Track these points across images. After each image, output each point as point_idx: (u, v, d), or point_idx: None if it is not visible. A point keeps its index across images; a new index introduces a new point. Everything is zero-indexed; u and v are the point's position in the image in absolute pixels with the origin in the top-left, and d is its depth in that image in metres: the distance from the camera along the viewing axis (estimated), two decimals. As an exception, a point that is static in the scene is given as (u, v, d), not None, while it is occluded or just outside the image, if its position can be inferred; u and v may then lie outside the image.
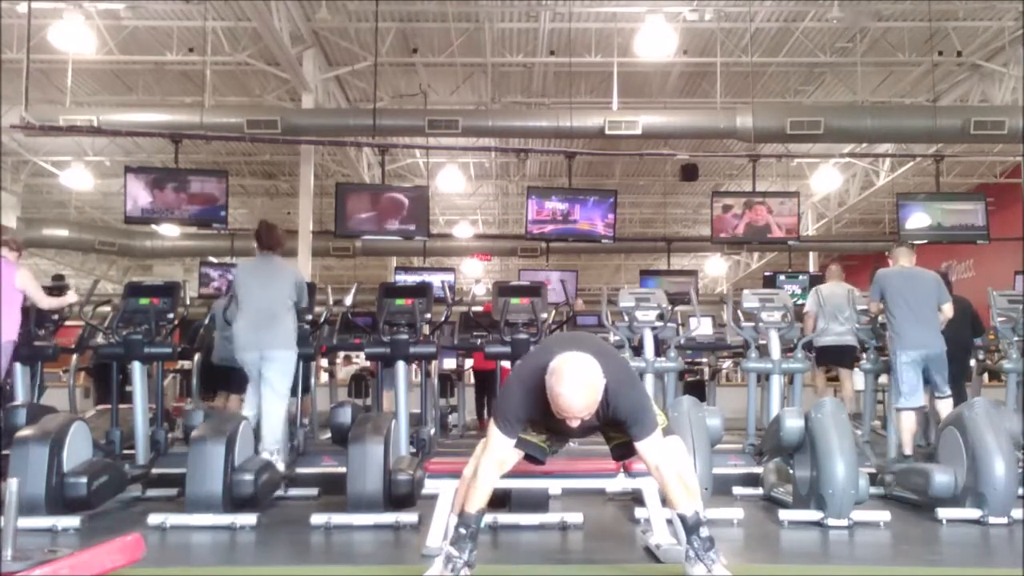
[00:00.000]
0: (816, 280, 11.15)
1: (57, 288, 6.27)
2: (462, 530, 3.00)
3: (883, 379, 6.75)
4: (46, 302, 5.80)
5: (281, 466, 5.10)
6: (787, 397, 6.16)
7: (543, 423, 3.14)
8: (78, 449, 4.43)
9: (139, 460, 5.52)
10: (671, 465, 3.03)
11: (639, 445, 3.05)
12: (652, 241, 17.43)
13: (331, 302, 6.51)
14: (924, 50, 10.66)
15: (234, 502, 4.30)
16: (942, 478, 4.45)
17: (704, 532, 2.96)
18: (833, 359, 7.62)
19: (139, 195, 9.80)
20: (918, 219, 10.27)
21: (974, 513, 4.26)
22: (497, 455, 3.08)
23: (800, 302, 7.72)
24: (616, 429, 3.19)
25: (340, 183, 10.99)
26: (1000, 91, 11.15)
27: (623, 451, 3.28)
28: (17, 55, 9.80)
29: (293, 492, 5.15)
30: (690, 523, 2.96)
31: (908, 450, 5.67)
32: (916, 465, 5.12)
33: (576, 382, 2.86)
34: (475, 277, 20.54)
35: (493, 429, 3.08)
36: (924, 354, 5.75)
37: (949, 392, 5.88)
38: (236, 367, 5.56)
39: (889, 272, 6.01)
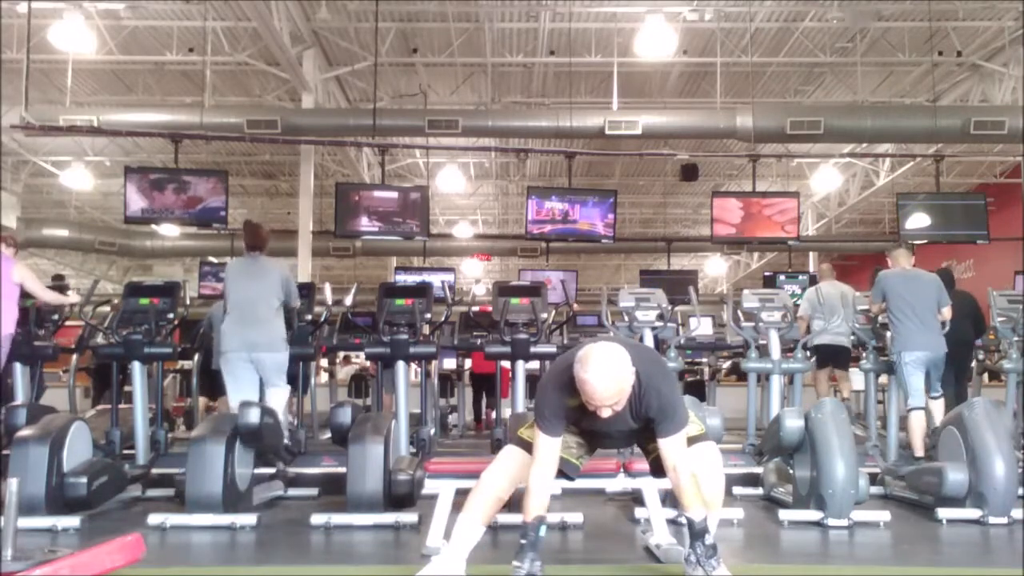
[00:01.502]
0: (816, 280, 11.16)
1: (58, 288, 6.26)
2: (522, 541, 2.94)
3: (883, 379, 6.76)
4: (47, 295, 5.77)
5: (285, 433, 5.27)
6: (787, 397, 6.16)
7: (579, 421, 3.09)
8: (78, 449, 4.43)
9: (139, 460, 5.53)
10: (688, 468, 2.99)
11: (662, 442, 3.01)
12: (652, 241, 17.43)
13: (329, 301, 6.50)
14: (924, 50, 10.66)
15: (236, 501, 4.31)
16: (956, 476, 4.37)
17: (709, 540, 2.93)
18: (829, 359, 7.62)
19: (139, 195, 9.80)
20: (918, 219, 10.26)
21: (974, 513, 4.26)
22: (547, 458, 3.02)
23: (799, 302, 7.72)
24: (651, 436, 3.15)
25: (340, 183, 10.98)
26: (1000, 91, 11.15)
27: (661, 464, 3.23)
28: (17, 55, 9.80)
29: (293, 492, 5.15)
30: (696, 528, 2.94)
31: (919, 452, 5.66)
32: (927, 465, 5.08)
33: (601, 367, 2.82)
34: (475, 277, 20.54)
35: (538, 433, 3.02)
36: (927, 356, 5.76)
37: (941, 392, 5.91)
38: None
39: (890, 274, 6.02)
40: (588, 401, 2.87)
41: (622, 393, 2.88)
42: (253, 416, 4.42)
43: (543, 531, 2.98)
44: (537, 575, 2.92)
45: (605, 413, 2.90)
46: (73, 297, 6.11)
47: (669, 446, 3.00)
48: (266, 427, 4.54)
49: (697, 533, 2.94)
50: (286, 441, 5.28)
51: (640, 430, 3.15)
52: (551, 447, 3.02)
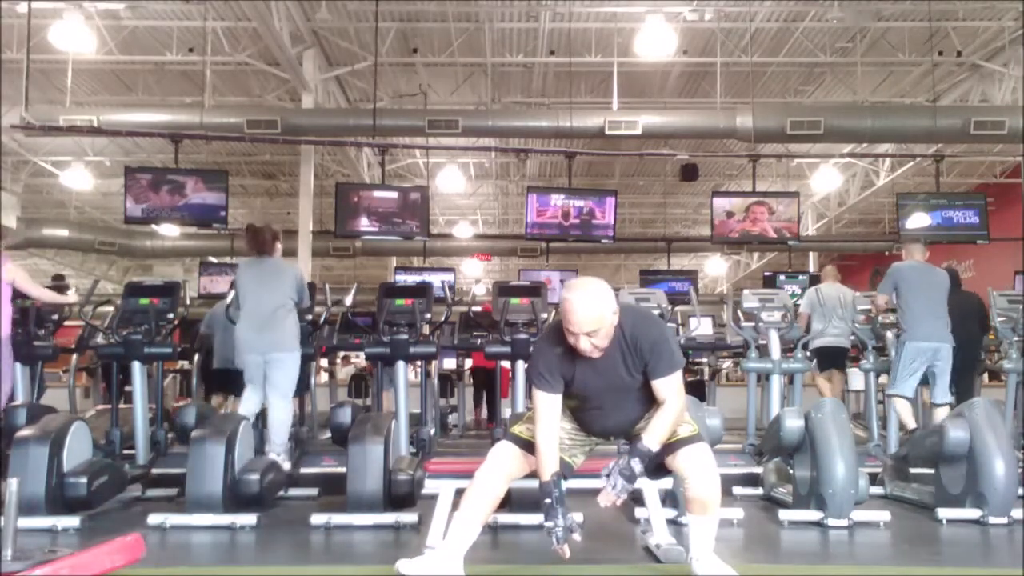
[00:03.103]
0: (816, 280, 11.16)
1: (57, 288, 6.25)
2: (546, 500, 2.95)
3: (883, 379, 6.76)
4: (42, 294, 5.69)
5: (287, 465, 5.12)
6: (787, 397, 6.16)
7: (572, 379, 3.07)
8: (78, 449, 4.42)
9: (139, 460, 5.52)
10: (677, 409, 2.98)
11: (656, 383, 3.00)
12: (652, 241, 17.43)
13: (329, 302, 6.50)
14: (924, 50, 10.67)
15: (238, 501, 4.30)
16: (957, 434, 4.33)
17: (635, 465, 2.89)
18: (830, 362, 7.62)
19: (139, 195, 9.81)
20: (918, 219, 10.27)
21: (974, 513, 4.26)
22: (549, 415, 3.02)
23: (799, 302, 7.73)
24: (644, 423, 3.12)
25: (340, 183, 11.00)
26: (1000, 91, 11.15)
27: (656, 463, 3.17)
28: (17, 55, 9.80)
29: (293, 492, 5.15)
30: (639, 448, 2.91)
31: (912, 424, 5.73)
32: (928, 429, 5.11)
33: (582, 290, 2.87)
34: (475, 277, 20.54)
35: (535, 392, 3.05)
36: (933, 347, 5.78)
37: (949, 400, 5.89)
38: (237, 369, 5.52)
39: (904, 266, 6.05)
40: (569, 330, 2.89)
41: (602, 321, 2.88)
42: (253, 486, 4.37)
43: (564, 485, 2.98)
44: (573, 528, 2.91)
45: (584, 344, 2.89)
46: (72, 297, 6.04)
47: (663, 386, 3.00)
48: (267, 489, 4.48)
49: (635, 452, 2.92)
50: (288, 467, 5.18)
51: (632, 405, 3.11)
52: (551, 403, 3.03)
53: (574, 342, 2.92)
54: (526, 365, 5.97)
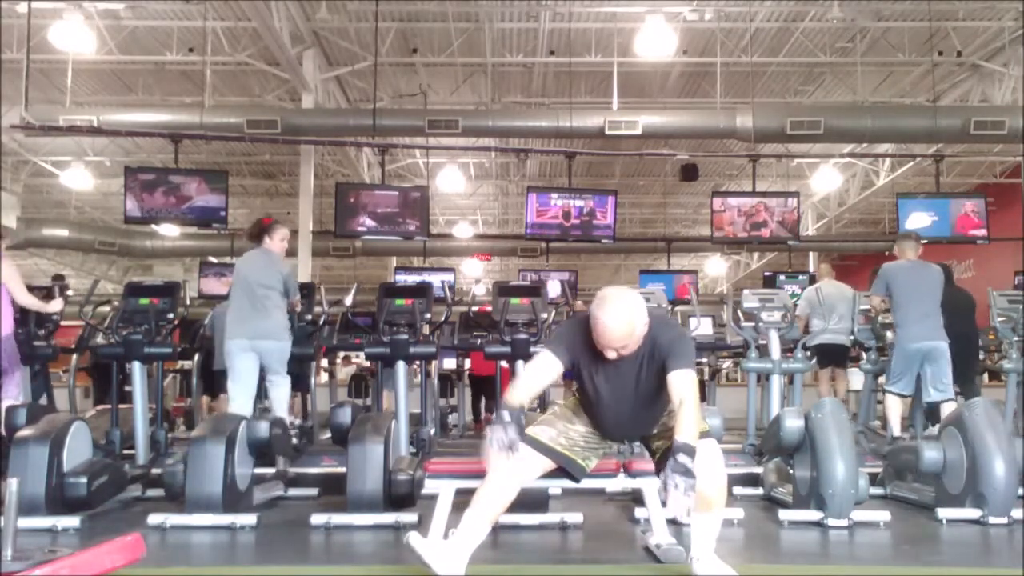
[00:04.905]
0: (815, 280, 11.17)
1: (50, 289, 6.22)
2: (505, 417, 2.98)
3: (883, 379, 6.76)
4: (25, 298, 5.61)
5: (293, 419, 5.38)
6: (787, 397, 6.16)
7: (592, 375, 3.12)
8: (78, 449, 4.42)
9: (139, 460, 5.52)
10: (694, 403, 2.97)
11: (671, 375, 2.99)
12: (652, 241, 17.44)
13: (324, 302, 6.51)
14: (924, 50, 10.67)
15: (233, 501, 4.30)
16: (931, 454, 4.48)
17: (684, 460, 2.81)
18: (830, 359, 7.62)
19: (139, 195, 9.82)
20: (918, 219, 10.27)
21: (974, 513, 4.25)
22: (539, 374, 3.11)
23: (799, 302, 7.73)
24: (657, 435, 3.15)
25: (340, 183, 11.00)
26: (1000, 91, 11.16)
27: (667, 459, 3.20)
28: (17, 55, 9.80)
29: (293, 492, 5.15)
30: (679, 445, 2.85)
31: (897, 431, 5.78)
32: (906, 443, 5.18)
33: (617, 307, 2.92)
34: (475, 277, 20.53)
35: (542, 352, 3.15)
36: (926, 347, 5.77)
37: (951, 395, 5.87)
38: None
39: (895, 266, 6.05)
40: (598, 340, 2.96)
41: (631, 336, 2.95)
42: (262, 431, 4.49)
43: (523, 420, 3.04)
44: (515, 447, 2.97)
45: (610, 355, 2.98)
46: (54, 305, 5.89)
47: (677, 379, 2.99)
48: (275, 438, 4.60)
49: (678, 448, 2.84)
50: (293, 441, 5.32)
51: (649, 409, 3.14)
52: (549, 364, 3.10)
53: (603, 350, 2.99)
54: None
